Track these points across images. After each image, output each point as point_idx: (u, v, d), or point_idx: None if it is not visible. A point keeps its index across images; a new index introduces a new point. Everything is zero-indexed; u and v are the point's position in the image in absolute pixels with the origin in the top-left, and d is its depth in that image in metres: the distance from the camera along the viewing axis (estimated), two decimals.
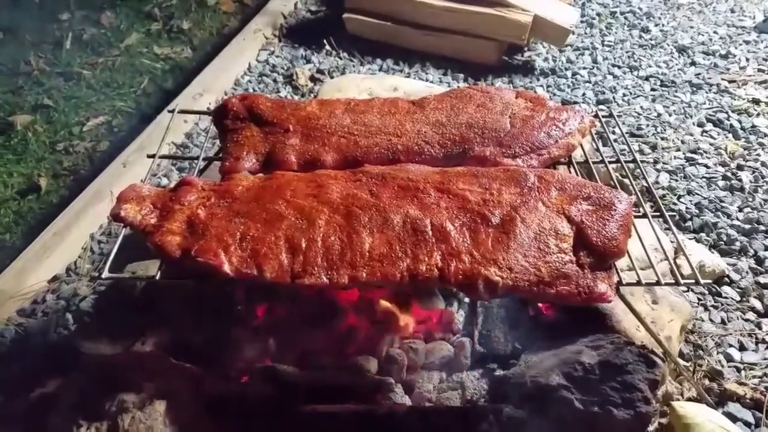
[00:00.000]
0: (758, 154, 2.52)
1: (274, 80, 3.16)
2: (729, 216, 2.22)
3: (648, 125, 2.73)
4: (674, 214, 2.23)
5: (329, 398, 1.34)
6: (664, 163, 2.50)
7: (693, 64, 3.20)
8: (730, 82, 3.01)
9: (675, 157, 2.53)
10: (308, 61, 3.30)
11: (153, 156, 1.61)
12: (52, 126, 2.87)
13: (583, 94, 2.98)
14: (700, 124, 2.72)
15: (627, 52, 3.34)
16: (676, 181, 2.41)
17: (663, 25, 3.59)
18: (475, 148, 1.48)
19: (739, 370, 1.69)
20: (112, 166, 2.48)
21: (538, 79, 3.14)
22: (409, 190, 1.31)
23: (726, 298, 1.92)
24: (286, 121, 1.55)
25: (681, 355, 1.69)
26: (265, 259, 1.20)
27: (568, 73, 3.16)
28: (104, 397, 1.27)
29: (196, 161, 1.64)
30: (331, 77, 3.11)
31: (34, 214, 2.43)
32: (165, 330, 1.51)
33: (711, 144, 2.60)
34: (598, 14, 3.72)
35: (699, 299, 1.91)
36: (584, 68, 3.19)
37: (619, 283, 1.25)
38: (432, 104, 1.60)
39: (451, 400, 1.43)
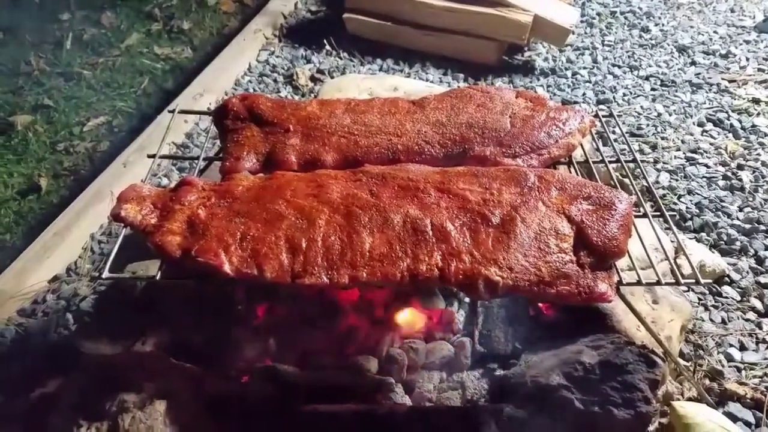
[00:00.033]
0: (758, 154, 2.52)
1: (275, 80, 3.16)
2: (729, 216, 2.22)
3: (648, 125, 2.73)
4: (674, 213, 2.23)
5: (329, 398, 1.34)
6: (664, 163, 2.50)
7: (693, 63, 3.20)
8: (730, 81, 3.01)
9: (675, 157, 2.53)
10: (308, 61, 3.30)
11: (153, 156, 1.61)
12: (52, 126, 2.87)
13: (584, 94, 2.98)
14: (701, 124, 2.72)
15: (627, 51, 3.34)
16: (677, 180, 2.41)
17: (663, 25, 3.59)
18: (475, 148, 1.48)
19: (739, 369, 1.69)
20: (112, 166, 2.48)
21: (539, 79, 3.14)
22: (409, 189, 1.31)
23: (726, 297, 1.92)
24: (286, 121, 1.55)
25: (681, 354, 1.69)
26: (265, 258, 1.20)
27: (568, 73, 3.16)
28: (104, 397, 1.27)
29: (196, 161, 1.64)
30: (332, 77, 3.11)
31: (34, 214, 2.43)
32: (165, 330, 1.51)
33: (711, 144, 2.60)
34: (598, 14, 3.72)
35: (699, 299, 1.91)
36: (584, 68, 3.19)
37: (620, 282, 1.25)
38: (432, 104, 1.60)
39: (451, 399, 1.43)
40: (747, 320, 1.84)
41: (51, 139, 2.80)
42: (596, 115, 1.67)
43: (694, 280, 1.25)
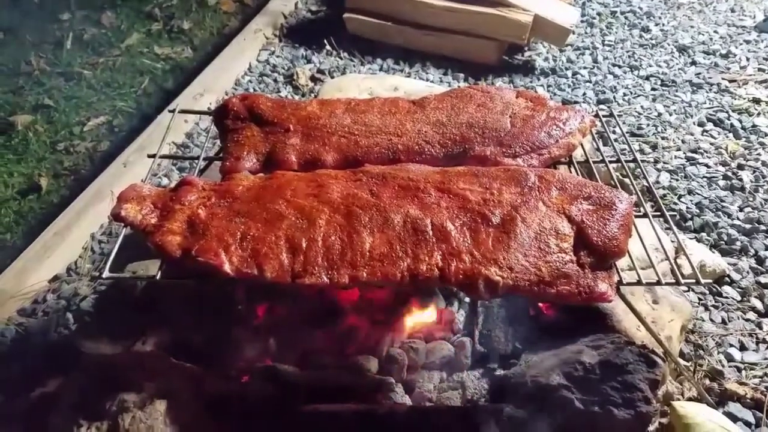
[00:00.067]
0: (759, 154, 2.52)
1: (275, 80, 3.16)
2: (730, 216, 2.22)
3: (648, 125, 2.73)
4: (675, 213, 2.23)
5: (330, 398, 1.34)
6: (664, 163, 2.50)
7: (693, 63, 3.20)
8: (730, 81, 3.01)
9: (675, 157, 2.53)
10: (309, 61, 3.30)
11: (153, 156, 1.61)
12: (52, 126, 2.87)
13: (584, 94, 2.98)
14: (701, 124, 2.72)
15: (627, 51, 3.34)
16: (677, 180, 2.41)
17: (663, 25, 3.59)
18: (475, 148, 1.48)
19: (739, 369, 1.69)
20: (112, 166, 2.48)
21: (539, 79, 3.14)
22: (409, 189, 1.31)
23: (726, 297, 1.92)
24: (286, 120, 1.55)
25: (681, 354, 1.69)
26: (265, 258, 1.20)
27: (569, 73, 3.15)
28: (105, 396, 1.27)
29: (196, 161, 1.64)
30: (332, 77, 3.11)
31: (34, 214, 2.43)
32: (165, 330, 1.51)
33: (711, 143, 2.60)
34: (599, 14, 3.72)
35: (699, 299, 1.91)
36: (585, 68, 3.19)
37: (620, 282, 1.25)
38: (432, 104, 1.60)
39: (451, 399, 1.43)
40: (747, 320, 1.84)
41: (51, 139, 2.80)
42: (596, 115, 1.67)
43: (694, 280, 1.25)
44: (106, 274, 1.24)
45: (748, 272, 1.99)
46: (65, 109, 2.97)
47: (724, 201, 2.28)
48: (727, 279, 1.97)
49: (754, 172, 2.42)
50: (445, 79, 3.13)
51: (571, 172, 1.53)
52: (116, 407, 1.25)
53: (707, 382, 1.63)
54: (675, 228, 1.44)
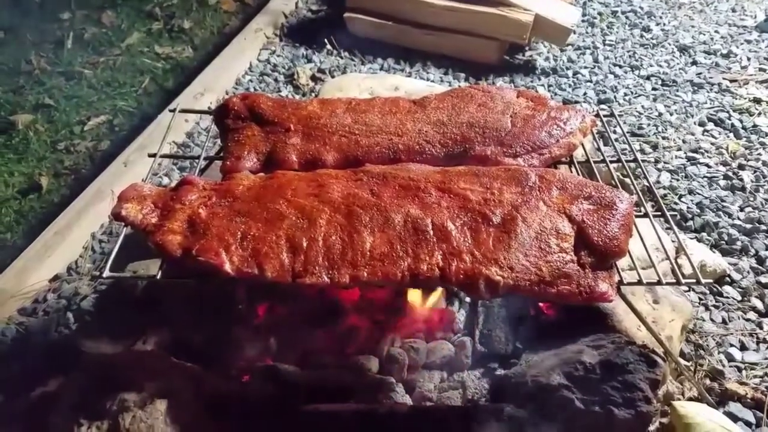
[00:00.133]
0: (759, 154, 2.51)
1: (275, 80, 3.16)
2: (730, 215, 2.22)
3: (649, 125, 2.73)
4: (675, 213, 2.23)
5: (330, 397, 1.34)
6: (665, 163, 2.50)
7: (694, 63, 3.20)
8: (731, 81, 3.01)
9: (676, 157, 2.53)
10: (309, 61, 3.30)
11: (154, 155, 1.61)
12: (53, 125, 2.87)
13: (585, 94, 2.97)
14: (702, 124, 2.72)
15: (628, 51, 3.33)
16: (678, 180, 2.40)
17: (664, 25, 3.59)
18: (476, 148, 1.48)
19: (740, 369, 1.69)
20: (113, 166, 2.48)
21: (540, 79, 3.14)
22: (410, 189, 1.31)
23: (727, 297, 1.91)
24: (287, 120, 1.55)
25: (682, 354, 1.69)
26: (266, 258, 1.20)
27: (570, 73, 3.15)
28: (105, 396, 1.27)
29: (197, 160, 1.64)
30: (332, 76, 3.11)
31: (35, 214, 2.43)
32: (166, 329, 1.51)
33: (712, 143, 2.60)
34: (600, 13, 3.72)
35: (700, 299, 1.90)
36: (585, 67, 3.19)
37: (620, 282, 1.25)
38: (433, 103, 1.59)
39: (452, 399, 1.43)
40: (748, 320, 1.84)
41: (52, 138, 2.80)
42: (597, 115, 1.66)
43: (694, 280, 1.25)
44: (106, 273, 1.24)
45: (748, 272, 1.99)
46: (66, 108, 2.97)
47: (724, 201, 2.28)
48: (727, 279, 1.97)
49: (755, 172, 2.42)
50: (446, 78, 3.13)
51: (571, 171, 1.53)
52: (116, 407, 1.25)
53: (708, 381, 1.63)
54: (675, 228, 1.44)
